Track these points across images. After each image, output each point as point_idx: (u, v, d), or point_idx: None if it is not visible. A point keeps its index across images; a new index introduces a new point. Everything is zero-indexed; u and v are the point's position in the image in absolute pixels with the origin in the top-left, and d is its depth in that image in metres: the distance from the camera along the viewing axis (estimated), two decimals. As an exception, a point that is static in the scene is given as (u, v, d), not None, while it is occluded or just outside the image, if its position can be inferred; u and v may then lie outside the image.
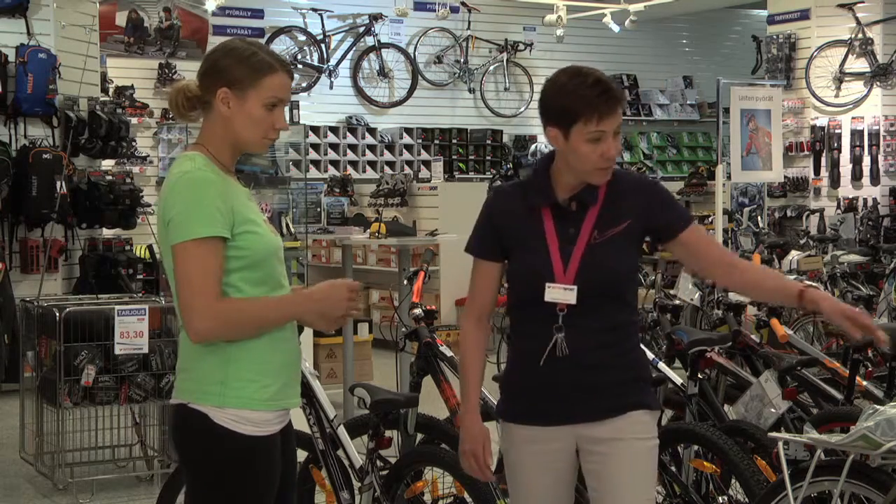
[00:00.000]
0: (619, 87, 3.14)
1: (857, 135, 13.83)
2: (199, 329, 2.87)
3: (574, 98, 3.05)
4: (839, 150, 13.90)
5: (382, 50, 15.84)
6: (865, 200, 13.71)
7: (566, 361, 3.10)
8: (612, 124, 3.07)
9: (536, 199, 3.17)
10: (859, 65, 13.89)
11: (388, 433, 4.37)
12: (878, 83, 13.83)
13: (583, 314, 3.10)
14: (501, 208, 3.23)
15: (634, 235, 3.15)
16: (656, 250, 10.52)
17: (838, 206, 13.77)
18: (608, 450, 3.12)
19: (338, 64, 15.58)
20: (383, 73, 15.86)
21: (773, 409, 4.78)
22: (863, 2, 13.78)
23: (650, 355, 5.21)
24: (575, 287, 3.08)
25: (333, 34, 15.55)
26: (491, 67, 16.75)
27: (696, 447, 4.66)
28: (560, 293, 3.09)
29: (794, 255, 10.31)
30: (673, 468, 4.74)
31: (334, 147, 15.24)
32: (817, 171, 14.05)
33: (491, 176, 15.77)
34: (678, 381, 5.07)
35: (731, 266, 3.23)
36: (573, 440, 3.16)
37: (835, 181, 13.94)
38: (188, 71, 14.21)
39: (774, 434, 3.99)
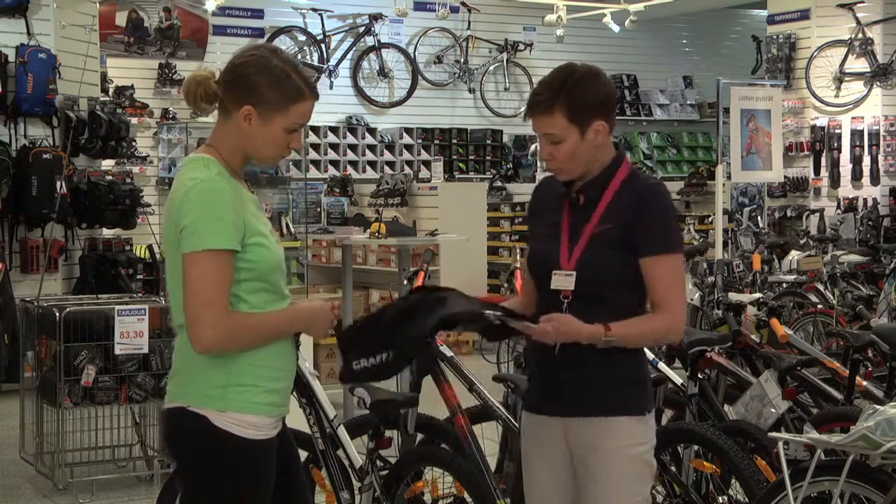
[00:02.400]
0: (553, 93, 3.07)
1: (857, 135, 13.83)
2: (206, 340, 2.86)
3: None
4: (839, 150, 13.90)
5: (382, 50, 15.83)
6: (865, 200, 13.71)
7: (561, 351, 3.10)
8: (539, 128, 3.12)
9: (557, 191, 3.23)
10: (859, 65, 13.89)
11: (388, 433, 4.37)
12: (878, 83, 13.83)
13: (580, 308, 3.09)
14: (537, 199, 3.35)
15: (618, 239, 3.10)
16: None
17: (838, 206, 13.77)
18: (588, 454, 3.12)
19: (338, 64, 15.58)
20: (383, 73, 15.86)
21: (773, 409, 4.78)
22: (863, 2, 13.78)
23: (650, 355, 5.22)
24: (574, 273, 3.09)
25: (333, 34, 15.55)
26: (491, 67, 16.75)
27: (696, 447, 4.66)
28: (562, 279, 3.11)
29: (794, 255, 10.32)
30: (673, 468, 4.74)
31: (334, 147, 15.23)
32: (817, 171, 14.06)
33: (491, 176, 15.77)
34: (678, 381, 5.07)
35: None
36: (562, 434, 3.16)
37: (835, 181, 13.95)
38: (188, 71, 14.18)
39: (774, 434, 3.99)
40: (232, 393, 2.91)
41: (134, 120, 13.14)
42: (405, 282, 5.96)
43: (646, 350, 4.97)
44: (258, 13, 15.10)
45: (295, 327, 3.04)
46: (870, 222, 13.12)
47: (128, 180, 10.38)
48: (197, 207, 2.87)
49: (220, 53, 14.61)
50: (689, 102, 18.34)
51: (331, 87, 15.51)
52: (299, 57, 15.22)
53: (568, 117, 3.07)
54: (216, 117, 3.05)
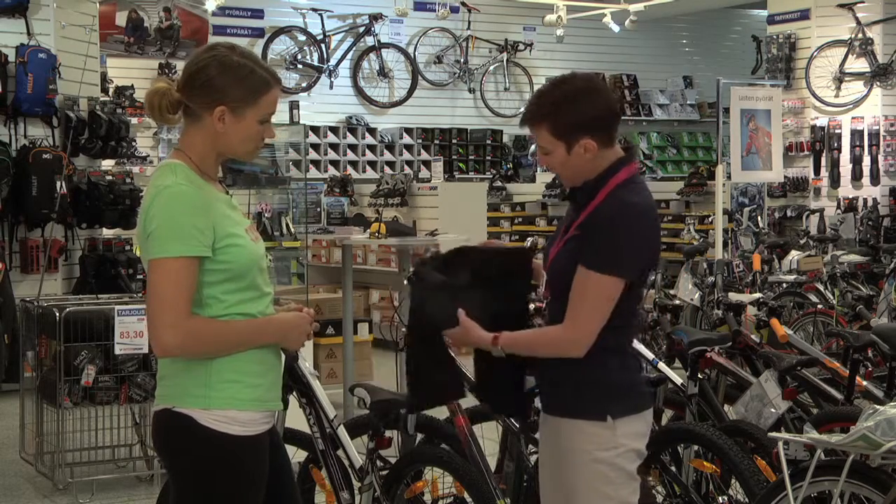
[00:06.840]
0: (540, 108, 3.10)
1: (857, 135, 13.83)
2: (165, 343, 2.89)
3: None
4: (839, 150, 13.90)
5: (382, 50, 15.84)
6: (865, 200, 13.71)
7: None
8: (537, 138, 3.15)
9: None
10: (859, 65, 13.89)
11: (388, 433, 4.37)
12: (878, 83, 13.83)
13: (550, 309, 3.19)
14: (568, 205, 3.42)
15: (578, 248, 3.07)
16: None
17: (838, 206, 13.77)
18: (558, 455, 3.13)
19: (338, 64, 15.58)
20: (383, 73, 15.86)
21: (773, 409, 4.78)
22: (863, 2, 13.79)
23: (650, 355, 5.22)
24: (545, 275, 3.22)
25: (333, 34, 15.56)
26: (491, 67, 16.76)
27: (696, 447, 4.66)
28: (543, 281, 3.25)
29: (794, 255, 10.32)
30: (673, 468, 4.74)
31: (334, 147, 15.24)
32: (817, 171, 14.05)
33: (491, 176, 15.77)
34: (678, 381, 5.08)
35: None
36: (549, 431, 3.20)
37: (835, 181, 13.95)
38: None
39: (774, 434, 3.99)
40: (215, 390, 2.93)
41: (134, 120, 13.13)
42: (405, 282, 5.95)
43: (641, 351, 5.00)
44: (258, 13, 15.11)
45: (266, 338, 3.04)
46: (870, 222, 13.11)
47: (128, 180, 10.38)
48: (161, 214, 2.90)
49: (220, 53, 14.62)
50: (689, 102, 18.34)
51: (331, 87, 15.52)
52: (299, 57, 15.24)
53: (552, 133, 3.09)
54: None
